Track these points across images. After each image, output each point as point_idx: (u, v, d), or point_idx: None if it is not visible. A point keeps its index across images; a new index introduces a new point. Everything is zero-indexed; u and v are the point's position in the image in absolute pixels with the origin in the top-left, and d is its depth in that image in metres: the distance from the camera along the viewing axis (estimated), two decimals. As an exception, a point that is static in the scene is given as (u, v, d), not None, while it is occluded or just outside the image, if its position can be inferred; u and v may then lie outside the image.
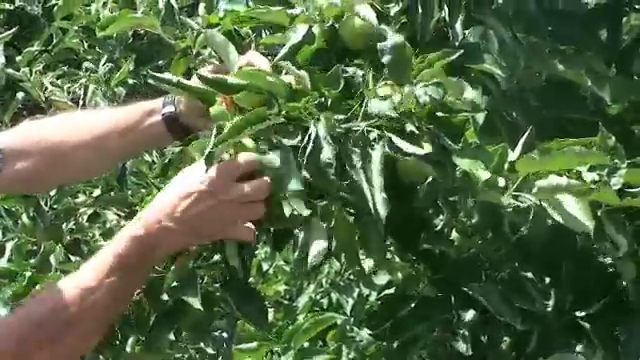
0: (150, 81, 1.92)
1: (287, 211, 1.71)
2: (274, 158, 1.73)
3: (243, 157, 1.74)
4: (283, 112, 1.74)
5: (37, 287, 2.02)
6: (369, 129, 1.73)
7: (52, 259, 2.39)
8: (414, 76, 1.78)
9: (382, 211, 1.70)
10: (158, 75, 1.90)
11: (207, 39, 1.98)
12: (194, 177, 1.74)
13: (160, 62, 3.26)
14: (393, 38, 1.83)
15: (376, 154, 1.72)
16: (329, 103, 1.76)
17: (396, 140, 1.71)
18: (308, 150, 1.70)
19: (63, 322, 1.71)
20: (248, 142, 1.76)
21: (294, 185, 1.71)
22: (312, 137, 1.70)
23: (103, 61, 3.48)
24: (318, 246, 1.75)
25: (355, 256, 1.89)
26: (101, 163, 2.17)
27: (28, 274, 2.08)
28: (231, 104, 1.83)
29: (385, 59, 1.81)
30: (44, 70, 3.71)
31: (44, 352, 1.70)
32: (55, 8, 3.52)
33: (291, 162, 1.72)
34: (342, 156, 1.72)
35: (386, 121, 1.73)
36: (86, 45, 3.60)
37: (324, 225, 1.77)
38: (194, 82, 1.91)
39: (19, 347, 1.69)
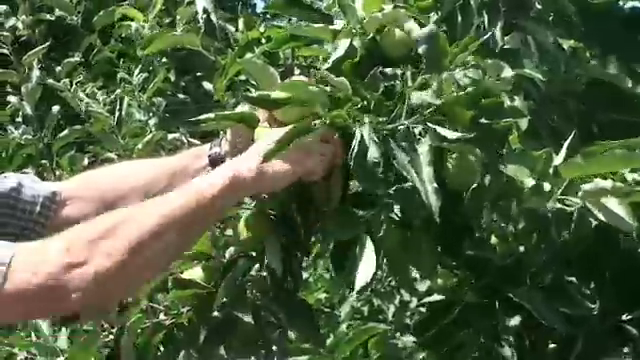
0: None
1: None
2: None
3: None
4: (328, 121, 1.75)
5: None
6: (414, 125, 1.73)
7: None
8: (451, 62, 1.79)
9: (434, 201, 1.70)
10: (197, 119, 1.92)
11: (244, 67, 1.96)
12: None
13: (199, 73, 3.27)
14: (428, 27, 1.85)
15: (423, 146, 1.72)
16: (372, 106, 1.77)
17: (440, 130, 1.72)
18: (354, 152, 1.70)
19: (105, 251, 1.66)
20: None
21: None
22: (357, 139, 1.71)
23: (137, 71, 3.49)
24: (366, 269, 1.75)
25: (403, 267, 1.90)
26: None
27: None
28: (274, 122, 1.85)
29: (421, 49, 1.82)
30: (85, 81, 3.74)
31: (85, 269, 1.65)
32: (95, 18, 3.55)
33: None
34: (389, 156, 1.72)
35: (429, 115, 1.74)
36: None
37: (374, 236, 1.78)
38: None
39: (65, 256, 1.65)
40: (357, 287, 1.75)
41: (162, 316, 1.90)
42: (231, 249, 1.89)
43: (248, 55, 1.96)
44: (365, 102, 1.77)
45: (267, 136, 1.78)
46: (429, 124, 1.73)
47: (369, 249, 1.75)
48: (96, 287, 1.63)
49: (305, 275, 3.55)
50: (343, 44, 1.89)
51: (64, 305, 1.65)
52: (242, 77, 2.08)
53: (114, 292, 1.71)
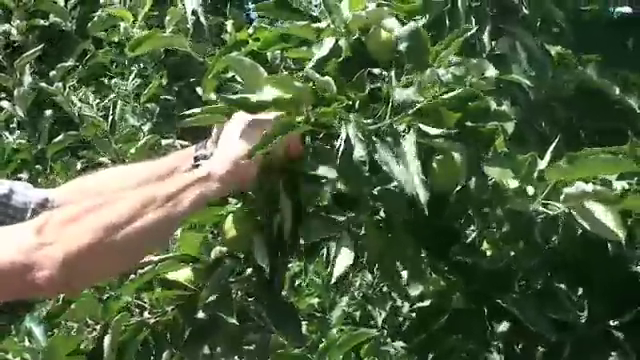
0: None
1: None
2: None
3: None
4: (312, 119, 1.76)
5: (72, 305, 2.03)
6: (397, 124, 1.74)
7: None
8: (434, 60, 1.80)
9: (422, 194, 1.69)
10: (186, 112, 1.92)
11: (232, 64, 1.94)
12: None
13: (192, 79, 3.28)
14: (409, 25, 1.85)
15: (408, 140, 1.72)
16: (357, 106, 1.77)
17: (424, 127, 1.72)
18: (340, 151, 1.70)
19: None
20: None
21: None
22: (343, 138, 1.71)
23: (132, 77, 3.50)
24: (343, 260, 1.76)
25: (390, 265, 1.90)
26: None
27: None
28: None
29: (402, 46, 1.82)
30: (78, 85, 3.75)
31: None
32: (89, 24, 3.56)
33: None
34: (373, 154, 1.71)
35: (414, 115, 1.74)
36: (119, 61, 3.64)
37: (355, 235, 1.78)
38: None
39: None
40: (334, 277, 1.76)
41: (146, 314, 1.91)
42: (217, 249, 1.90)
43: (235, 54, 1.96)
44: (350, 102, 1.77)
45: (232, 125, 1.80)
46: (413, 123, 1.73)
47: (347, 243, 1.77)
48: (64, 267, 1.65)
49: (297, 280, 3.55)
50: (328, 43, 1.89)
51: (32, 284, 1.66)
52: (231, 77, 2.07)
53: (83, 273, 1.72)
